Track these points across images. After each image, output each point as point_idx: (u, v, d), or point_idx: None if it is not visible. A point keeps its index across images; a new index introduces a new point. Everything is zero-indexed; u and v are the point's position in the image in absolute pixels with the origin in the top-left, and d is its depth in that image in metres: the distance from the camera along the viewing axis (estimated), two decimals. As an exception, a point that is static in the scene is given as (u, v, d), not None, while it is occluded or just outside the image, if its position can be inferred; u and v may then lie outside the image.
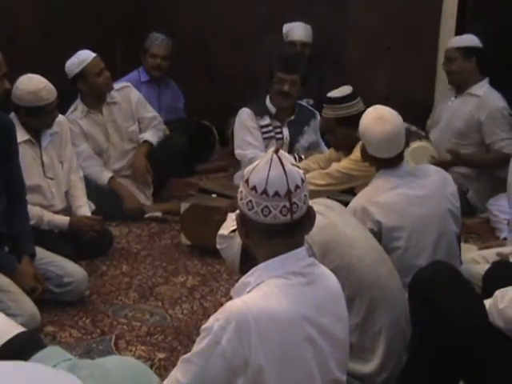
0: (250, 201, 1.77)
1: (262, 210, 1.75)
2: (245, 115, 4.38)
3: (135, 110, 4.59)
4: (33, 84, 3.46)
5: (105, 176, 4.42)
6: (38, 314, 2.96)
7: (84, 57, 4.27)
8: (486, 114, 4.41)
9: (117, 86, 4.53)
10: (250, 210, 1.77)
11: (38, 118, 3.56)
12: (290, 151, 4.29)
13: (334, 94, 3.65)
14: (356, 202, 2.87)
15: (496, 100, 4.45)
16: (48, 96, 3.50)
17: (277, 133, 4.40)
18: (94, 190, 4.18)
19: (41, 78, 3.53)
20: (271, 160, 1.76)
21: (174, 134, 4.96)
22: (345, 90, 3.63)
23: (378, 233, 2.78)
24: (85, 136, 4.39)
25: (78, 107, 4.41)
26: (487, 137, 4.44)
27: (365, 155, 3.02)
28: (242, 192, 1.80)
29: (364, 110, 3.48)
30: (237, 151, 4.41)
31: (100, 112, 4.44)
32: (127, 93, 4.57)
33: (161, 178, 4.76)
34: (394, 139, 2.89)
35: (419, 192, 2.85)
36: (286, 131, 4.41)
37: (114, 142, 4.51)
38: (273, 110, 4.37)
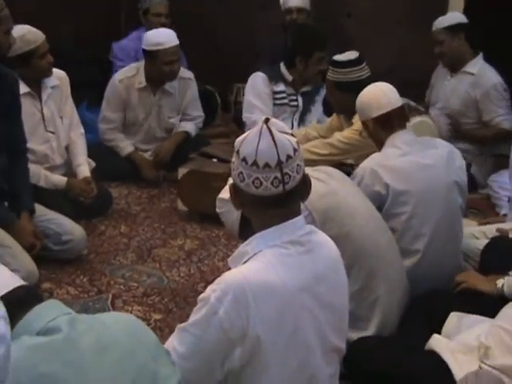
0: (241, 172, 1.71)
1: (253, 182, 1.70)
2: (258, 79, 4.31)
3: (185, 106, 4.63)
4: (16, 32, 3.33)
5: (126, 149, 4.44)
6: (36, 270, 2.97)
7: (163, 40, 4.26)
8: (481, 92, 4.39)
9: (182, 73, 4.51)
10: (241, 181, 1.73)
11: (33, 66, 3.48)
12: (302, 119, 4.28)
13: (339, 57, 3.62)
14: (366, 164, 2.86)
15: (491, 77, 4.41)
16: (35, 38, 3.45)
17: (291, 100, 4.37)
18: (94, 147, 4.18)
19: (23, 26, 3.46)
20: (261, 130, 1.70)
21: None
22: (349, 55, 3.60)
23: (385, 196, 2.77)
24: (125, 104, 4.43)
25: (139, 75, 4.42)
26: (485, 114, 4.43)
27: (370, 129, 2.97)
28: (234, 162, 1.75)
29: (367, 78, 3.47)
30: (244, 114, 4.37)
31: (153, 93, 4.47)
32: (187, 85, 4.60)
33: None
34: (386, 90, 2.92)
35: (428, 161, 2.84)
36: (300, 100, 4.39)
37: (151, 125, 4.55)
38: (289, 77, 4.30)
